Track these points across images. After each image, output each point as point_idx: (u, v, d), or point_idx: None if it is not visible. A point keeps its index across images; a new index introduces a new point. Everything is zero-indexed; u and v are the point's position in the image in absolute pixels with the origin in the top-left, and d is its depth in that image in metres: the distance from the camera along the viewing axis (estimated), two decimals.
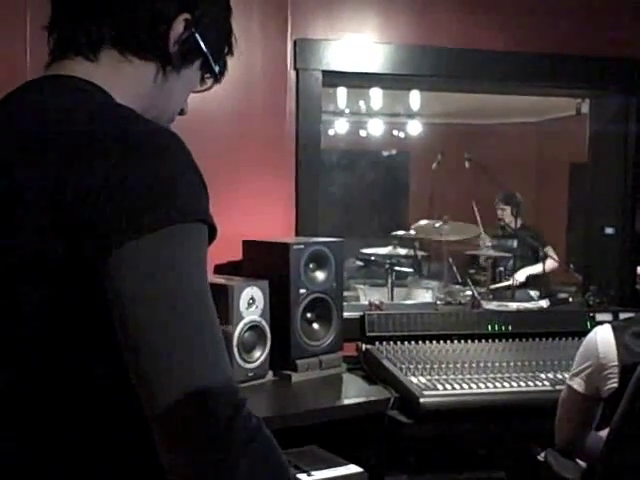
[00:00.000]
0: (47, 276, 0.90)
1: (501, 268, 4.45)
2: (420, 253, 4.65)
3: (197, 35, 1.05)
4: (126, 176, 0.86)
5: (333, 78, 2.85)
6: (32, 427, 0.95)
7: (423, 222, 4.75)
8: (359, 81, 3.22)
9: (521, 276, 4.55)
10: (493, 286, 4.13)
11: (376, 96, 5.04)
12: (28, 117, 0.97)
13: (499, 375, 2.43)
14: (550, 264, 4.82)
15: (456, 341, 2.65)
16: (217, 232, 0.92)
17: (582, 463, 2.06)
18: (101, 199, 0.86)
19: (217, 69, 1.11)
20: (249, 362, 2.29)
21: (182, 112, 1.16)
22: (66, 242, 0.88)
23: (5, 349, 0.95)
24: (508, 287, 4.08)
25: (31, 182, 0.90)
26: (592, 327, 2.08)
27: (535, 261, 4.84)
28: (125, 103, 1.00)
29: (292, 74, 2.71)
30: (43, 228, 0.88)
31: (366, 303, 2.92)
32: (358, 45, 2.77)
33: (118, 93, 1.02)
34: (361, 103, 5.71)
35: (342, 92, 4.93)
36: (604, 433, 1.93)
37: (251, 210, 2.64)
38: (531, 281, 4.65)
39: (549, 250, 4.98)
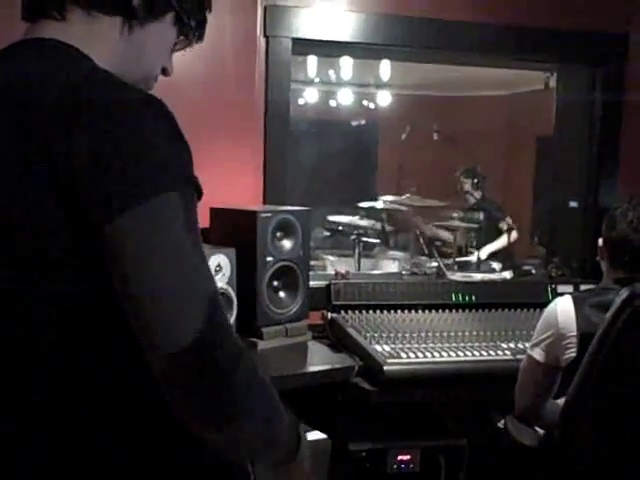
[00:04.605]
0: (49, 246, 0.92)
1: (470, 237, 4.49)
2: (389, 228, 4.66)
3: None
4: (115, 147, 0.89)
5: (303, 46, 2.83)
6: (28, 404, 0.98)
7: (390, 197, 4.74)
8: (329, 49, 3.21)
9: (483, 254, 4.57)
10: (459, 259, 4.17)
11: (346, 66, 5.01)
12: (10, 85, 0.97)
13: (462, 344, 2.46)
14: (514, 236, 4.86)
15: (420, 311, 2.68)
16: (203, 193, 0.98)
17: (540, 430, 2.11)
18: (94, 172, 0.88)
19: (193, 24, 1.12)
20: None
21: (165, 72, 1.16)
22: (66, 213, 0.90)
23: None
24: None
25: (18, 152, 0.91)
26: (553, 298, 2.12)
27: (497, 233, 4.88)
28: (101, 63, 1.01)
29: (262, 41, 2.68)
30: (40, 200, 0.90)
31: (332, 273, 2.94)
32: (329, 13, 2.75)
33: (94, 53, 1.03)
34: (331, 72, 5.68)
35: (312, 61, 4.89)
36: (562, 401, 1.97)
37: (219, 178, 2.61)
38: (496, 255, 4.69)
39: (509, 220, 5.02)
